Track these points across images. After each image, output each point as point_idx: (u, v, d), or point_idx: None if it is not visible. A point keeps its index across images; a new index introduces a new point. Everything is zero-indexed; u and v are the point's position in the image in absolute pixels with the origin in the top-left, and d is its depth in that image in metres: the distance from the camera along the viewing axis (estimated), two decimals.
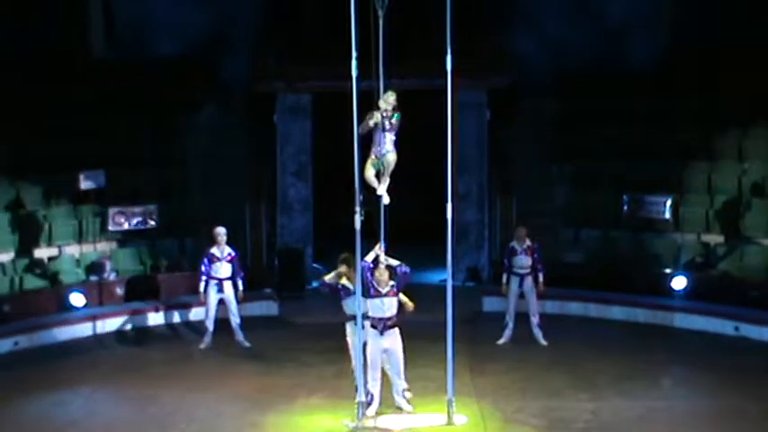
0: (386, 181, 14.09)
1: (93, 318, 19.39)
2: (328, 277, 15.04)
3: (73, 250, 20.90)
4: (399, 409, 14.56)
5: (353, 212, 13.84)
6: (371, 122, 13.77)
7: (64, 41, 24.18)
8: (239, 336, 18.37)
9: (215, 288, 18.31)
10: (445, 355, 14.27)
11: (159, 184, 22.53)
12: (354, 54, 13.54)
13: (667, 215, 21.11)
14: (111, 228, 20.88)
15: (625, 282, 20.50)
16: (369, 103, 14.15)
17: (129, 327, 19.58)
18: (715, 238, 20.80)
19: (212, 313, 18.33)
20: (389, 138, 13.92)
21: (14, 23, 23.02)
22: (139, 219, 21.31)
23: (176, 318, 20.20)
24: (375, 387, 14.31)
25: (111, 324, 19.55)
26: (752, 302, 19.12)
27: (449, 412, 14.23)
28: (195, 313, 20.00)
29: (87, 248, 21.01)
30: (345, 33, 13.58)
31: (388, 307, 14.19)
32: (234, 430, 14.45)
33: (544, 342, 18.17)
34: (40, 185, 21.49)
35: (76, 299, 19.37)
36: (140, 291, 20.54)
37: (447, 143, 13.94)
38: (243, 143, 23.65)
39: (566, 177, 23.33)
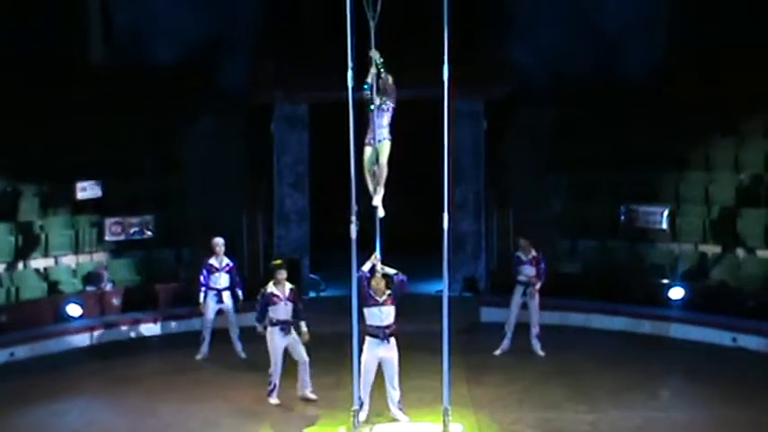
0: (380, 192, 14.06)
1: (90, 328, 19.41)
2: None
3: (69, 260, 20.90)
4: (395, 419, 14.63)
5: (350, 222, 13.81)
6: (369, 78, 13.85)
7: (62, 47, 24.24)
8: (237, 347, 18.34)
9: (214, 299, 18.29)
10: (441, 365, 14.14)
11: (156, 194, 22.53)
12: (351, 65, 13.55)
13: (664, 225, 21.11)
14: (107, 238, 20.91)
15: (622, 292, 20.51)
16: (366, 114, 14.20)
17: (125, 337, 19.54)
18: (712, 248, 20.81)
19: (209, 324, 18.28)
20: (386, 120, 13.93)
21: (13, 28, 23.06)
22: (136, 229, 21.35)
23: (173, 328, 20.23)
24: (366, 394, 14.37)
25: (107, 334, 19.55)
26: (749, 313, 19.14)
27: (444, 421, 14.13)
28: (192, 324, 19.93)
29: (84, 259, 20.99)
30: (343, 44, 13.60)
31: (385, 316, 14.26)
32: None
33: (541, 353, 18.17)
34: (36, 195, 21.47)
35: (73, 309, 19.36)
36: (137, 301, 20.50)
37: (443, 152, 13.90)
38: (240, 153, 23.69)
39: (563, 187, 23.33)
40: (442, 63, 13.75)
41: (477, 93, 22.96)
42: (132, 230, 21.27)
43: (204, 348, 18.22)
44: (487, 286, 22.75)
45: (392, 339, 14.34)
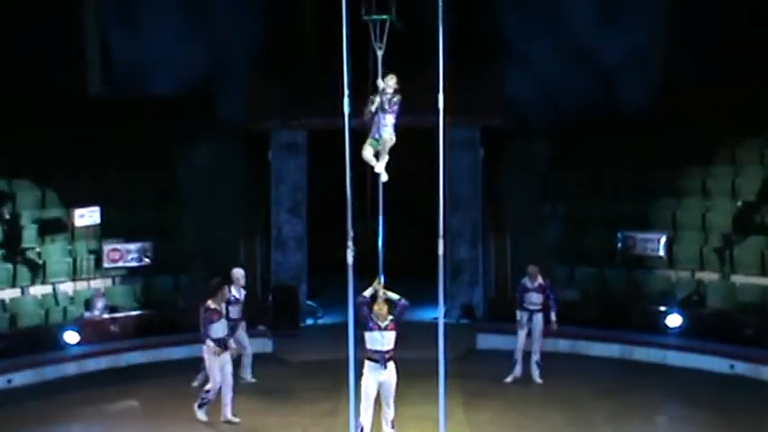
0: (384, 158, 13.99)
1: (88, 355, 19.30)
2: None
3: (67, 287, 20.84)
4: None
5: (347, 248, 13.77)
6: (373, 107, 13.74)
7: (62, 79, 24.31)
8: (247, 371, 18.24)
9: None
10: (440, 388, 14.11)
11: (154, 221, 22.53)
12: (347, 92, 13.52)
13: (661, 253, 21.14)
14: (106, 265, 20.89)
15: (620, 319, 20.52)
16: (362, 140, 14.17)
17: (123, 364, 19.42)
18: (709, 276, 20.81)
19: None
20: (390, 120, 13.85)
21: (14, 61, 23.16)
22: (134, 256, 21.34)
23: (171, 354, 20.10)
24: (367, 419, 14.26)
25: (105, 361, 19.46)
26: (746, 340, 19.17)
27: None
28: (189, 350, 19.84)
29: (82, 285, 20.92)
30: (339, 72, 13.59)
31: (387, 341, 14.16)
32: None
33: (539, 380, 18.13)
34: (35, 222, 21.48)
35: (71, 336, 19.33)
36: (135, 327, 20.43)
37: (439, 180, 13.91)
38: (238, 180, 23.81)
39: (560, 215, 23.41)
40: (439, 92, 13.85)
41: (475, 121, 23.09)
42: (130, 257, 21.26)
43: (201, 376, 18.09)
44: (485, 313, 22.74)
45: (391, 363, 14.27)
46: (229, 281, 17.77)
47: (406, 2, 13.86)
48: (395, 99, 13.81)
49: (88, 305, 20.53)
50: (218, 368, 15.92)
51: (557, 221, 23.34)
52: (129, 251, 21.24)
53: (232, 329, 17.68)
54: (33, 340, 19.37)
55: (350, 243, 13.79)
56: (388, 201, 14.63)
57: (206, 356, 16.05)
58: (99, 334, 20.01)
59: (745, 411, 16.52)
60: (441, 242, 14.01)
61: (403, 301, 14.30)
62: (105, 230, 21.56)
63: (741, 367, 18.59)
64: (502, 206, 23.45)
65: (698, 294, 20.58)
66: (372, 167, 14.06)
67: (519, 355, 18.24)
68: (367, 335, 14.19)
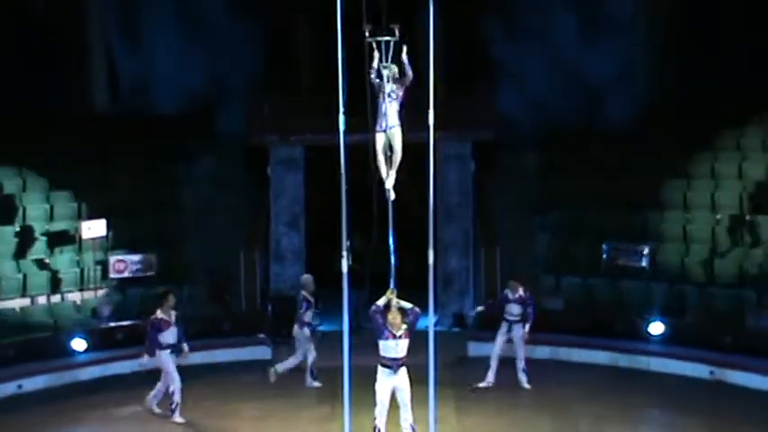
0: (392, 175, 13.97)
1: (95, 362, 19.26)
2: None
3: (75, 297, 20.85)
4: None
5: (342, 258, 13.80)
6: (373, 74, 13.70)
7: (69, 97, 24.38)
8: (286, 365, 18.28)
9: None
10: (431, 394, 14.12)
11: (158, 234, 22.55)
12: (342, 109, 13.61)
13: (645, 263, 21.05)
14: (111, 275, 20.85)
15: (605, 327, 20.42)
16: (358, 156, 14.19)
17: (128, 371, 19.30)
18: (690, 286, 20.82)
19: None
20: (394, 107, 13.80)
21: (24, 79, 23.19)
22: (139, 266, 21.31)
23: (177, 361, 20.01)
24: (382, 423, 14.23)
25: (111, 368, 19.41)
26: (726, 347, 19.16)
27: None
28: (192, 357, 19.95)
29: (89, 295, 20.89)
30: (335, 90, 13.70)
31: (401, 349, 14.09)
32: None
33: (527, 386, 18.14)
34: (44, 234, 21.54)
35: (78, 344, 19.28)
36: (139, 336, 20.24)
37: (429, 193, 14.02)
38: (238, 194, 23.78)
39: (548, 226, 23.38)
40: (434, 108, 13.84)
41: (466, 136, 23.10)
42: (135, 268, 21.22)
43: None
44: (475, 321, 22.27)
45: (403, 369, 14.20)
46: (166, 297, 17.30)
47: (397, 21, 14.00)
48: (397, 87, 13.74)
49: (95, 314, 20.60)
50: (176, 370, 16.35)
51: (545, 233, 23.29)
52: (133, 262, 21.21)
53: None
54: (42, 347, 19.34)
55: (344, 253, 13.92)
56: (382, 214, 14.76)
57: (163, 365, 16.40)
58: (105, 342, 20.00)
59: (724, 416, 16.56)
60: (431, 252, 14.09)
61: (416, 309, 14.26)
62: (111, 242, 21.59)
63: (721, 373, 18.60)
64: (492, 218, 23.35)
65: (679, 303, 20.58)
66: (376, 180, 14.03)
67: (493, 363, 18.19)
68: (381, 343, 14.14)
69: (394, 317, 14.03)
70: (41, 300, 20.74)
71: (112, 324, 20.48)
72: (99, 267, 21.13)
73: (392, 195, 14.06)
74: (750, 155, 22.53)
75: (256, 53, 23.91)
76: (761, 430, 15.93)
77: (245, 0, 23.55)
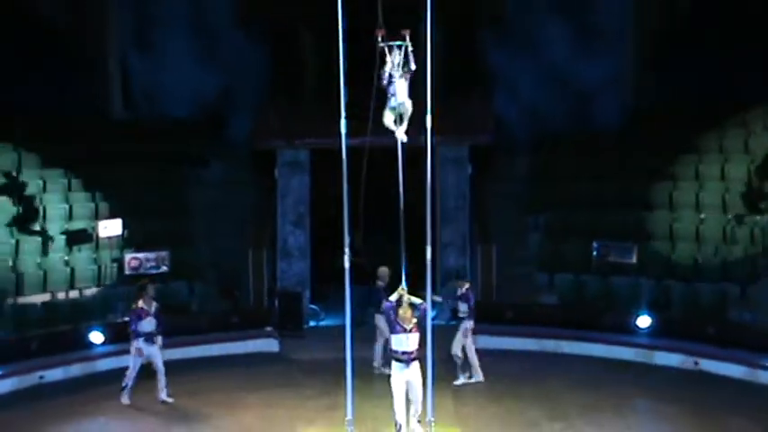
0: (404, 124, 14.01)
1: (111, 354, 19.19)
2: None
3: (93, 292, 20.92)
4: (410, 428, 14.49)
5: (344, 255, 13.90)
6: (385, 77, 13.77)
7: (87, 104, 24.45)
8: (378, 355, 18.27)
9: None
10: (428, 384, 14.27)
11: (170, 232, 22.54)
12: (344, 115, 13.69)
13: (633, 260, 21.10)
14: (126, 272, 20.89)
15: (595, 321, 20.44)
16: (359, 159, 14.26)
17: (143, 362, 19.45)
18: (676, 281, 20.87)
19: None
20: (404, 86, 13.83)
21: (43, 85, 23.19)
22: (152, 263, 21.29)
23: (186, 354, 20.01)
24: (401, 415, 14.24)
25: (127, 360, 19.34)
26: (709, 339, 19.18)
27: (431, 428, 14.28)
28: (202, 350, 20.18)
29: (106, 290, 20.95)
30: (337, 97, 13.80)
31: (411, 342, 14.13)
32: None
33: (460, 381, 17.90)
34: (63, 233, 21.63)
35: (96, 336, 19.31)
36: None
37: (427, 194, 14.12)
38: (247, 195, 23.81)
39: (541, 227, 23.41)
40: (433, 115, 13.98)
41: (463, 140, 23.10)
42: (149, 265, 21.21)
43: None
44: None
45: (415, 363, 14.19)
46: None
47: (398, 30, 14.08)
48: (405, 68, 13.78)
49: (112, 308, 20.66)
50: (141, 359, 16.78)
51: (538, 232, 23.35)
52: (147, 259, 21.19)
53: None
54: (62, 340, 19.38)
55: (346, 250, 14.00)
56: (384, 214, 14.87)
57: (132, 349, 16.79)
58: (121, 334, 20.03)
59: (708, 405, 16.61)
60: (428, 249, 14.20)
61: (425, 304, 14.28)
62: (126, 241, 21.66)
63: (704, 364, 18.63)
64: (488, 218, 23.38)
65: (665, 298, 20.64)
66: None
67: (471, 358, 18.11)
68: (393, 337, 14.20)
69: (405, 312, 14.07)
70: (61, 295, 20.79)
71: (127, 318, 20.52)
72: (115, 264, 21.21)
73: (404, 138, 14.02)
74: (732, 156, 22.61)
75: (263, 63, 23.86)
76: (742, 418, 15.94)
77: (252, 13, 23.51)
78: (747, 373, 18.18)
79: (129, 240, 21.70)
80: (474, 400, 16.87)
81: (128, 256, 21.09)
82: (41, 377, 18.42)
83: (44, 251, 21.38)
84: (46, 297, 20.66)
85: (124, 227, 21.60)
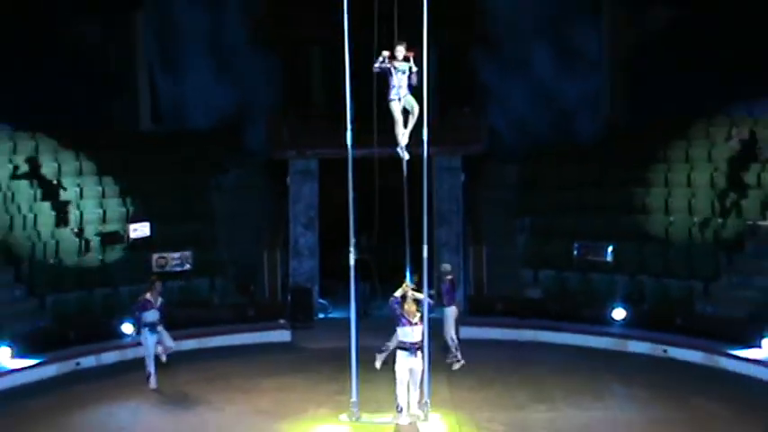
0: (407, 134, 14.03)
1: (140, 344, 18.99)
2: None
3: (124, 288, 20.84)
4: (415, 416, 14.55)
5: (350, 253, 14.08)
6: (377, 64, 13.77)
7: (119, 118, 24.51)
8: (452, 345, 17.85)
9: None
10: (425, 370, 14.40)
11: (193, 234, 22.53)
12: (349, 128, 13.81)
13: (609, 259, 21.12)
14: (154, 269, 20.75)
15: (575, 313, 20.51)
16: (364, 168, 14.39)
17: (168, 350, 19.43)
18: (647, 278, 20.93)
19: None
20: (405, 81, 13.84)
21: (80, 101, 23.12)
22: (177, 262, 21.33)
23: (207, 343, 20.10)
24: (403, 399, 14.30)
25: (156, 348, 19.40)
26: (677, 329, 19.29)
27: (425, 412, 14.48)
28: (222, 339, 20.20)
29: (136, 286, 20.72)
30: (343, 112, 13.93)
31: (416, 334, 14.17)
32: None
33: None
34: (97, 235, 21.71)
35: (127, 328, 19.23)
36: (179, 321, 19.76)
37: (424, 199, 14.28)
38: (262, 200, 23.74)
39: (527, 228, 23.33)
40: (429, 127, 14.13)
41: (457, 151, 23.08)
42: (174, 263, 21.24)
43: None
44: (466, 308, 22.22)
45: (419, 352, 14.22)
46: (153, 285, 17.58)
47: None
48: (403, 68, 13.83)
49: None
50: (153, 346, 16.90)
51: (524, 233, 23.30)
52: (172, 258, 21.24)
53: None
54: (96, 331, 19.45)
55: (352, 249, 14.10)
56: (387, 216, 14.93)
57: (142, 340, 17.07)
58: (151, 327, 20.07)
59: (676, 388, 16.71)
60: (425, 248, 14.33)
61: (429, 300, 14.41)
62: (154, 241, 21.65)
63: (672, 351, 18.73)
64: (480, 221, 23.35)
65: (638, 292, 20.70)
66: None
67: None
68: (399, 329, 14.23)
69: (410, 306, 14.13)
70: (97, 291, 20.85)
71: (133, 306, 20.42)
72: (144, 263, 21.14)
73: (406, 156, 14.07)
74: (697, 165, 22.63)
75: (275, 79, 23.77)
76: (706, 400, 16.05)
77: (265, 35, 23.52)
78: (709, 359, 18.25)
79: (156, 241, 21.67)
80: (467, 385, 16.85)
81: (155, 256, 21.10)
82: (78, 364, 18.52)
83: (81, 251, 21.43)
84: (83, 293, 20.70)
85: (152, 229, 21.63)
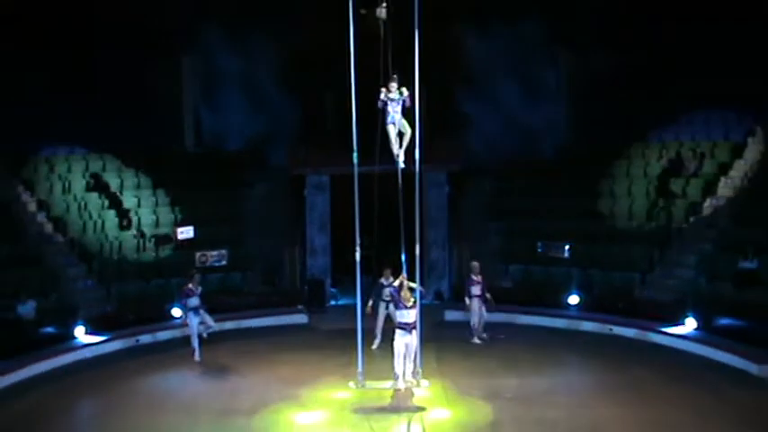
0: (404, 145, 14.11)
1: (186, 324, 18.88)
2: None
3: (173, 279, 20.66)
4: (410, 382, 14.59)
5: (356, 251, 14.17)
6: (380, 101, 13.91)
7: (169, 141, 24.44)
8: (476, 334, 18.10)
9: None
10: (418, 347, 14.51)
11: (229, 235, 22.51)
12: (355, 149, 13.99)
13: (566, 255, 21.12)
14: (197, 265, 20.67)
15: (539, 299, 20.51)
16: (369, 183, 14.43)
17: (210, 330, 18.74)
18: (596, 270, 20.96)
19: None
20: (398, 109, 13.92)
21: (138, 127, 23.08)
22: (215, 258, 21.30)
23: (240, 324, 20.03)
24: (399, 368, 14.36)
25: (198, 329, 19.12)
26: (620, 311, 19.37)
27: (417, 378, 14.60)
28: (260, 321, 20.23)
29: (182, 278, 20.65)
30: (351, 136, 14.04)
31: (411, 316, 14.22)
32: (279, 398, 14.69)
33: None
34: (152, 237, 21.79)
35: (176, 312, 19.16)
36: (219, 306, 19.76)
37: (416, 206, 14.44)
38: (284, 208, 23.65)
39: (500, 230, 23.29)
40: (417, 149, 14.28)
41: (442, 168, 23.03)
42: (213, 259, 21.24)
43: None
44: (450, 296, 22.61)
45: (414, 331, 14.26)
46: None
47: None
48: (398, 97, 13.92)
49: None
50: (196, 326, 17.10)
51: (498, 234, 23.26)
52: (212, 255, 21.20)
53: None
54: (152, 314, 19.53)
55: (357, 248, 14.18)
56: (385, 221, 15.02)
57: (187, 320, 17.16)
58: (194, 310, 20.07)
59: (618, 358, 16.85)
60: (417, 246, 14.46)
61: (420, 288, 14.50)
62: (197, 242, 21.63)
63: (617, 330, 18.78)
64: (461, 224, 23.33)
65: (588, 282, 20.73)
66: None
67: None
68: (397, 312, 14.36)
69: (405, 293, 14.21)
70: (151, 281, 20.95)
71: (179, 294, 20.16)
72: (189, 259, 21.08)
73: (401, 164, 14.16)
74: (635, 180, 22.69)
75: (296, 114, 23.57)
76: (642, 367, 16.19)
77: (288, 76, 23.50)
78: (644, 335, 18.34)
79: (198, 241, 21.67)
80: (451, 357, 16.84)
81: (198, 253, 21.10)
82: (137, 340, 18.60)
83: (139, 250, 21.58)
84: (141, 283, 20.84)
85: (195, 231, 21.65)
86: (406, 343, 14.32)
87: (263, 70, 23.53)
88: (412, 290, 14.30)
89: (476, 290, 18.11)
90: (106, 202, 22.42)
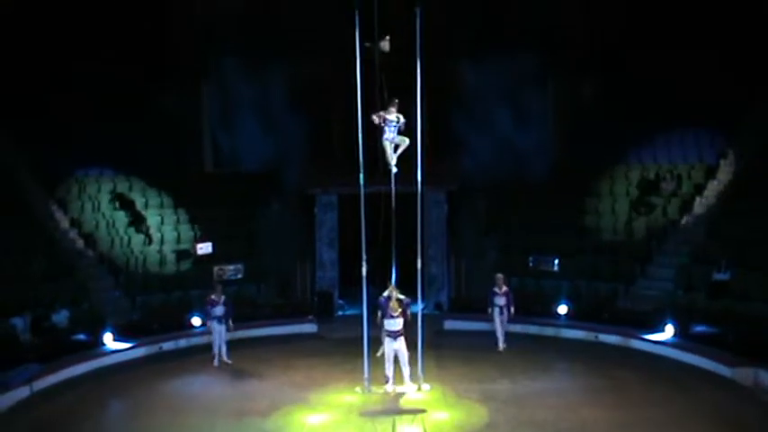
0: (397, 153, 14.17)
1: (207, 332, 18.54)
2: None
3: (193, 291, 20.93)
4: (408, 386, 14.74)
5: (362, 266, 14.28)
6: (376, 120, 13.96)
7: (189, 162, 24.44)
8: (501, 337, 18.03)
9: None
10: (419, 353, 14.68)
11: (245, 250, 22.52)
12: (362, 170, 14.13)
13: (556, 268, 21.16)
14: (215, 278, 20.72)
15: (530, 309, 20.30)
16: (375, 203, 14.51)
17: (229, 338, 18.83)
18: (583, 282, 20.97)
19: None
20: (393, 131, 14.01)
21: (160, 150, 23.22)
22: (232, 272, 21.30)
23: (253, 333, 19.89)
24: (390, 372, 14.50)
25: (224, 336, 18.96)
26: (605, 320, 19.41)
27: (419, 383, 14.68)
28: (265, 330, 20.08)
29: (202, 290, 20.44)
30: (357, 158, 14.18)
31: (398, 324, 14.42)
32: (291, 401, 14.76)
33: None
34: (173, 252, 21.86)
35: (196, 321, 19.40)
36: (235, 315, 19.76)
37: (417, 224, 14.56)
38: (295, 225, 23.60)
39: (495, 245, 23.17)
40: (418, 170, 14.46)
41: (441, 188, 23.04)
42: (230, 273, 21.25)
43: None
44: (449, 307, 22.54)
45: (401, 338, 14.43)
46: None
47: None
48: (394, 120, 14.04)
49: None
50: (218, 335, 17.05)
51: (493, 249, 23.11)
52: (229, 269, 21.22)
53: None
54: (174, 323, 19.46)
55: (364, 263, 14.29)
56: (389, 237, 15.00)
57: (211, 329, 17.15)
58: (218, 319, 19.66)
59: (604, 364, 16.92)
60: (419, 261, 14.61)
61: (407, 299, 14.62)
62: (215, 256, 21.64)
63: (602, 337, 18.81)
64: (459, 240, 23.31)
65: (576, 293, 20.72)
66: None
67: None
68: (385, 321, 14.46)
69: (393, 304, 14.37)
70: (173, 293, 20.97)
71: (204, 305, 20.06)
72: (207, 273, 21.18)
73: (395, 170, 14.21)
74: (618, 198, 22.74)
75: (308, 138, 23.41)
76: (625, 371, 16.30)
77: (299, 101, 23.53)
78: (627, 342, 18.37)
79: (216, 256, 21.68)
80: (449, 364, 16.85)
81: (216, 267, 21.12)
82: (161, 347, 18.64)
83: (161, 264, 21.65)
84: (163, 295, 20.87)
85: (213, 247, 21.67)
86: (394, 349, 14.49)
87: (276, 96, 23.58)
88: (400, 301, 14.42)
89: (499, 300, 17.98)
90: (132, 220, 22.39)
